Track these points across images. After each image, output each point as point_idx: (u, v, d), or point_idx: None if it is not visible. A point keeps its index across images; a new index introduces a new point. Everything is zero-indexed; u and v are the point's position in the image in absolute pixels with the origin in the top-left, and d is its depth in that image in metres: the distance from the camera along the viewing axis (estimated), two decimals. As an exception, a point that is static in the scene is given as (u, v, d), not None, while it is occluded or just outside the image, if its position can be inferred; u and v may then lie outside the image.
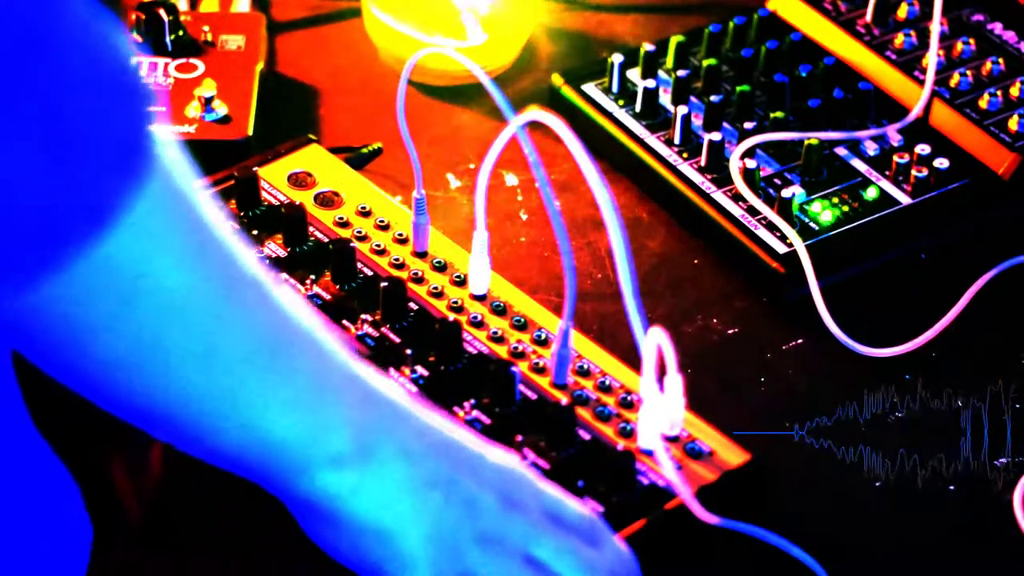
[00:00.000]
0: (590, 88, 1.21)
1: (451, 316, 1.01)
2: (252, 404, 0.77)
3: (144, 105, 0.69)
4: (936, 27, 1.18)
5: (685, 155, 1.16)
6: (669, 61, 1.22)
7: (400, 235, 1.07)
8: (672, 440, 0.95)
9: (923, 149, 1.14)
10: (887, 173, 1.15)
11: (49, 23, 0.65)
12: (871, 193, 1.14)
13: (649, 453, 0.94)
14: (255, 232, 1.07)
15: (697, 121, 1.18)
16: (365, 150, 1.18)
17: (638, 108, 1.19)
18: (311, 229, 1.07)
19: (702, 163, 1.15)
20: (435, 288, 1.03)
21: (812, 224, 1.11)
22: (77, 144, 0.66)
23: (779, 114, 1.17)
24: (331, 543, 0.83)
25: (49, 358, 0.73)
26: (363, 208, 1.08)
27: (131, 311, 0.71)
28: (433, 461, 0.82)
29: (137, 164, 0.69)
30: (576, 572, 0.84)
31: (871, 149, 1.17)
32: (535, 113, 0.88)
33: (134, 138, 0.69)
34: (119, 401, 0.76)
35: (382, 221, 1.07)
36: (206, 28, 1.22)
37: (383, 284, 1.01)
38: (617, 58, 1.20)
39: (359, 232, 1.07)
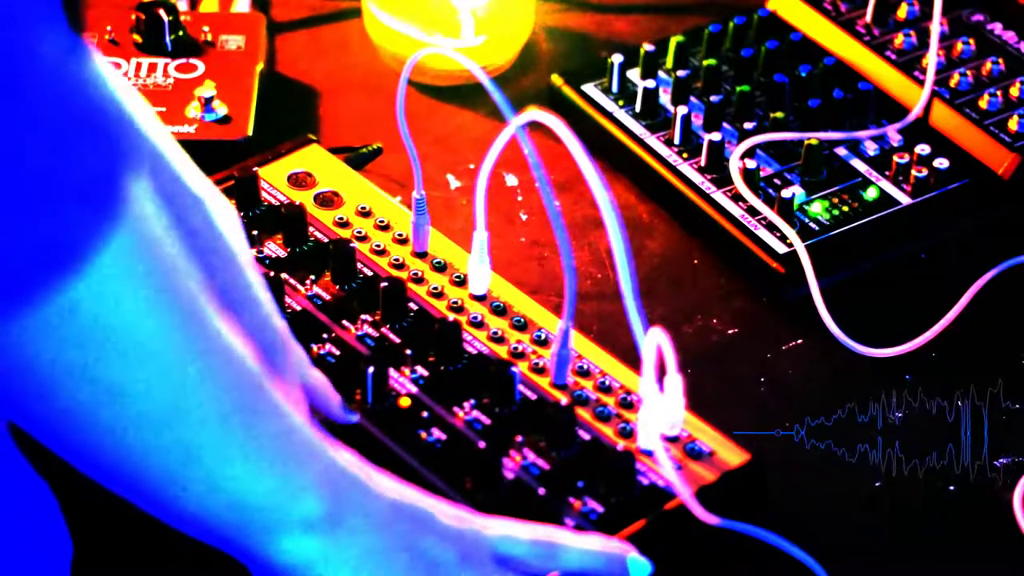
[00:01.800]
0: (590, 88, 1.21)
1: (451, 316, 1.01)
2: (218, 464, 0.75)
3: (117, 149, 0.68)
4: (936, 27, 1.18)
5: (685, 155, 1.16)
6: (669, 61, 1.22)
7: (400, 235, 1.07)
8: (672, 440, 0.95)
9: (923, 149, 1.14)
10: (887, 173, 1.15)
11: (14, 66, 0.63)
12: (871, 193, 1.14)
13: (649, 453, 0.94)
14: (255, 232, 1.07)
15: (697, 121, 1.18)
16: (365, 150, 1.18)
17: (638, 108, 1.19)
18: (311, 229, 1.07)
19: (702, 163, 1.15)
20: (435, 288, 1.03)
21: (812, 224, 1.11)
22: (40, 190, 0.64)
23: (779, 114, 1.17)
24: None
25: (8, 404, 0.71)
26: (363, 208, 1.08)
27: (94, 361, 0.70)
28: (399, 526, 0.81)
29: (105, 211, 0.67)
30: None
31: (871, 149, 1.17)
32: (535, 113, 0.88)
33: (103, 185, 0.67)
34: (79, 452, 0.74)
35: (382, 221, 1.07)
36: (206, 28, 1.22)
37: (383, 284, 1.01)
38: (617, 58, 1.20)
39: (359, 232, 1.07)
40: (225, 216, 0.89)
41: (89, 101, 0.67)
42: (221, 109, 1.16)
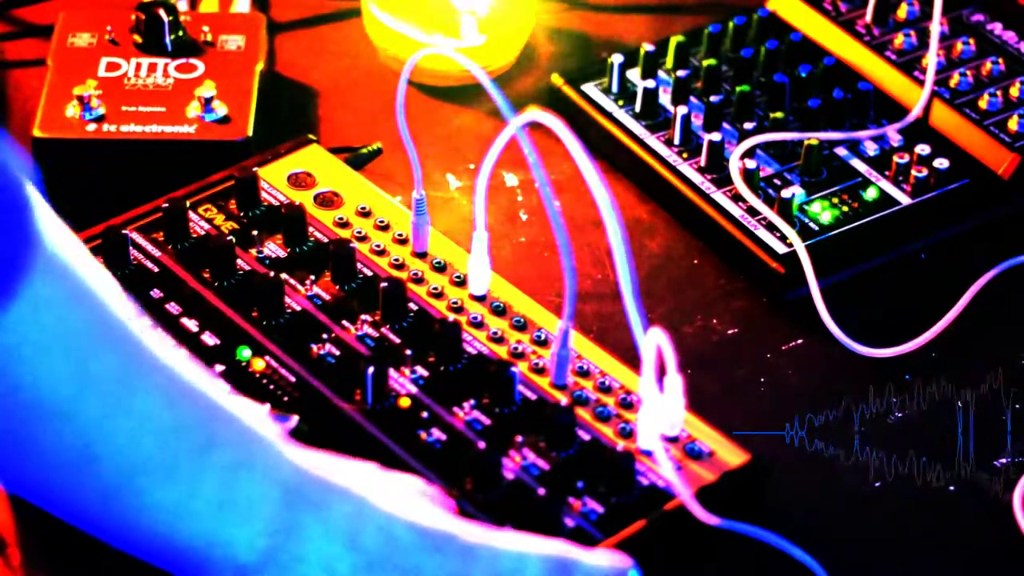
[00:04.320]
0: (590, 88, 1.21)
1: (451, 316, 1.01)
2: (139, 512, 0.74)
3: (17, 215, 0.66)
4: (936, 27, 1.18)
5: (685, 155, 1.16)
6: (669, 61, 1.22)
7: (400, 235, 1.07)
8: (672, 440, 0.95)
9: (923, 149, 1.14)
10: (887, 173, 1.15)
11: None
12: (871, 193, 1.14)
13: (649, 454, 0.94)
14: (255, 232, 1.07)
15: (697, 121, 1.18)
16: (365, 150, 1.18)
17: (638, 108, 1.19)
18: (311, 229, 1.07)
19: (702, 163, 1.15)
20: (435, 288, 1.03)
21: (812, 224, 1.11)
22: None
23: (779, 114, 1.17)
24: None
25: None
26: (363, 208, 1.08)
27: (5, 420, 0.69)
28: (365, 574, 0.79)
29: (7, 283, 0.66)
30: None
31: (871, 149, 1.17)
32: (535, 113, 0.88)
33: (3, 256, 0.66)
34: (8, 487, 0.74)
35: (382, 221, 1.07)
36: (206, 28, 1.22)
37: (383, 284, 1.01)
38: (617, 58, 1.20)
39: (359, 232, 1.07)
40: None
41: None
42: (221, 109, 1.16)
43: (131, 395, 0.72)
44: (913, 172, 1.14)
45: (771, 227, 1.11)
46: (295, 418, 0.94)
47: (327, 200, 1.09)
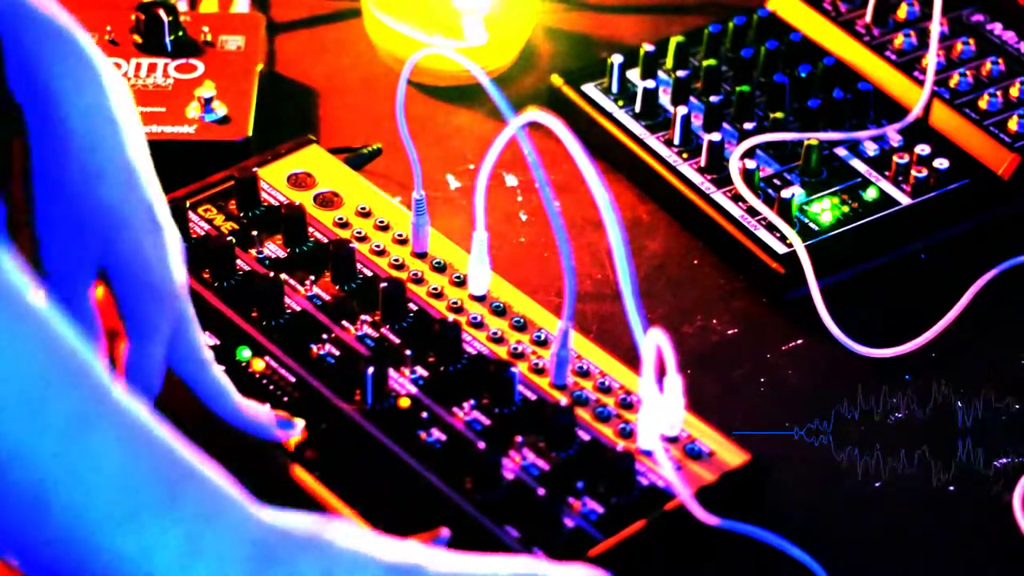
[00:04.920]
0: (590, 88, 1.21)
1: (451, 317, 1.01)
2: (99, 563, 0.71)
3: None
4: (936, 27, 1.18)
5: (685, 155, 1.16)
6: (669, 61, 1.22)
7: (400, 236, 1.07)
8: (672, 441, 0.95)
9: (923, 149, 1.14)
10: (887, 173, 1.15)
11: None
12: (871, 193, 1.14)
13: (649, 454, 0.94)
14: (255, 233, 1.07)
15: (697, 121, 1.18)
16: (365, 150, 1.18)
17: (638, 108, 1.19)
18: (311, 230, 1.07)
19: (702, 163, 1.15)
20: (435, 289, 1.03)
21: (812, 224, 1.11)
22: None
23: (779, 114, 1.17)
24: None
25: None
26: (363, 209, 1.08)
27: None
28: None
29: None
30: None
31: (871, 149, 1.17)
32: (535, 113, 0.88)
33: None
34: None
35: (382, 222, 1.07)
36: (206, 28, 1.22)
37: (383, 285, 1.01)
38: (617, 58, 1.20)
39: (359, 233, 1.07)
40: (118, 89, 0.87)
41: None
42: (221, 109, 1.16)
43: (88, 438, 0.70)
44: (913, 172, 1.14)
45: (771, 227, 1.11)
46: (300, 423, 0.94)
47: (327, 200, 1.09)
